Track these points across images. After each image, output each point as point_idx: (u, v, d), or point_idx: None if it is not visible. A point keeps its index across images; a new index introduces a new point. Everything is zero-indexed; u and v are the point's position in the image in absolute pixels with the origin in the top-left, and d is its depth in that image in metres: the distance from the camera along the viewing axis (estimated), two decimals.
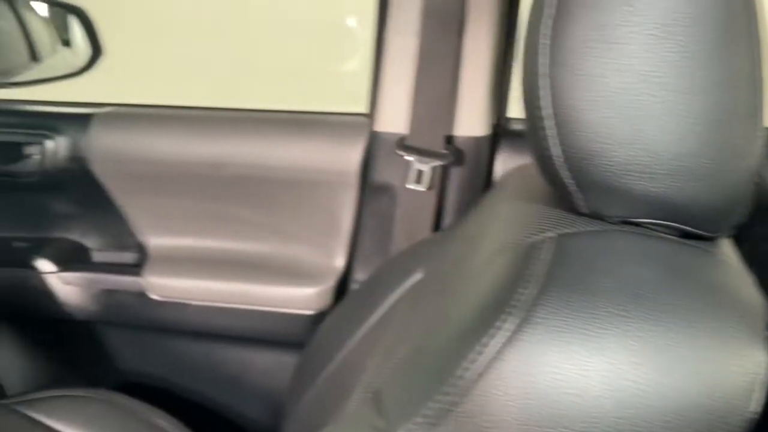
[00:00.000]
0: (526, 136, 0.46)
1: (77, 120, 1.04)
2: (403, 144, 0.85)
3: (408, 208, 0.87)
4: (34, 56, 1.44)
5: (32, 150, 1.04)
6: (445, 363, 0.36)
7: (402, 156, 0.85)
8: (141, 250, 1.07)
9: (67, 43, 1.62)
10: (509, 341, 0.34)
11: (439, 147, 0.84)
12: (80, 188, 1.06)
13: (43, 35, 1.48)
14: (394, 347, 0.50)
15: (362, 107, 0.98)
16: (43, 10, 1.53)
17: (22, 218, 1.11)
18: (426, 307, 0.54)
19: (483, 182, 0.89)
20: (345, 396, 0.65)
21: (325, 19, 2.48)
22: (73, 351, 1.17)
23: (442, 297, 0.48)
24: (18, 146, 1.04)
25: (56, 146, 1.03)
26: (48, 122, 1.05)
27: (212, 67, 2.28)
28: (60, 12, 1.55)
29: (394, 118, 0.87)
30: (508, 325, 0.35)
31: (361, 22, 2.39)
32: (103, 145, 1.02)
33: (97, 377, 1.15)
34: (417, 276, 0.68)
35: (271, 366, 1.08)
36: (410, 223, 0.87)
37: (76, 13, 1.30)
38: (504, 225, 0.47)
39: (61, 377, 1.19)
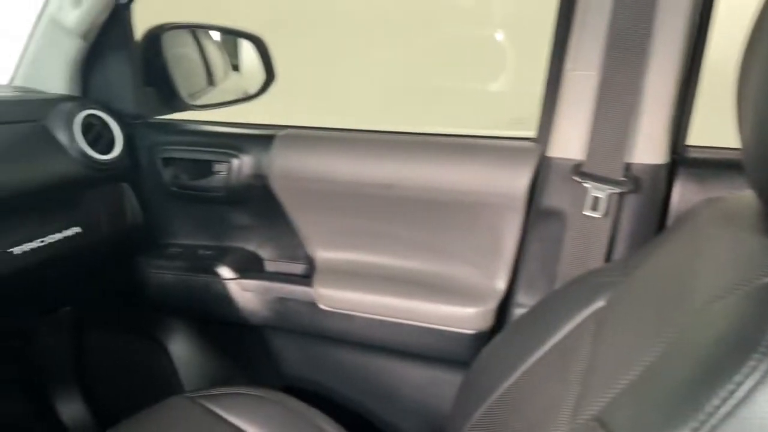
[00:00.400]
0: (746, 167, 0.45)
1: (260, 141, 1.13)
2: (579, 170, 0.85)
3: (580, 234, 0.87)
4: (211, 81, 1.59)
5: (220, 167, 1.15)
6: (690, 397, 0.37)
7: (578, 182, 0.85)
8: (311, 262, 1.14)
9: (236, 68, 1.78)
10: (762, 381, 0.34)
11: (617, 174, 0.83)
12: (259, 203, 1.15)
13: (218, 61, 1.63)
14: (609, 375, 0.50)
15: (501, 127, 0.99)
16: (216, 37, 1.69)
17: (207, 228, 1.22)
18: (627, 337, 0.54)
19: (658, 211, 0.87)
20: (519, 419, 0.66)
21: (471, 35, 2.47)
22: (244, 352, 1.27)
23: (656, 328, 0.48)
24: (208, 164, 1.16)
25: (241, 164, 1.13)
26: (235, 142, 1.15)
27: (363, 86, 2.36)
28: (230, 39, 1.70)
29: (570, 144, 0.87)
30: (763, 366, 0.35)
31: (510, 37, 2.36)
32: (282, 164, 1.11)
33: (264, 378, 1.23)
34: (598, 304, 0.68)
35: (427, 381, 1.11)
36: (581, 250, 0.87)
37: (254, 41, 1.42)
38: (723, 262, 0.46)
39: (232, 376, 1.29)
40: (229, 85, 1.66)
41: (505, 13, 2.37)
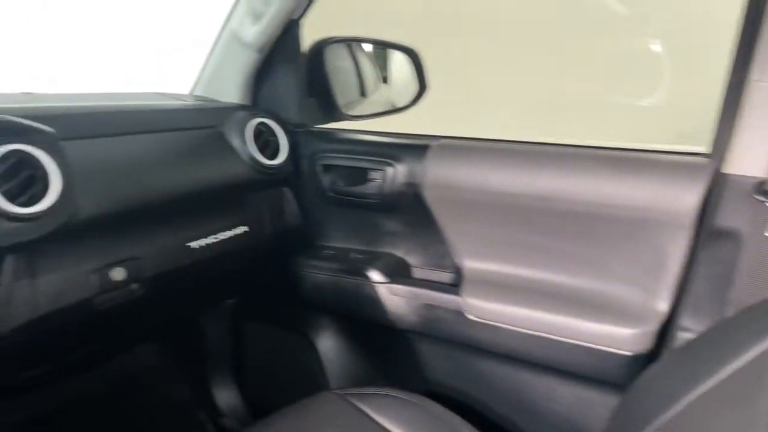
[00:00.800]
0: None
1: (414, 150, 1.16)
2: (762, 188, 0.79)
3: (759, 257, 0.81)
4: (363, 92, 1.66)
5: (375, 175, 1.19)
6: None
7: (760, 201, 0.79)
8: (458, 271, 1.15)
9: (384, 80, 1.83)
10: None
11: None
12: (410, 211, 1.18)
13: (369, 74, 1.70)
14: None
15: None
16: (368, 50, 1.75)
17: (360, 233, 1.27)
18: None
19: None
20: None
21: (625, 46, 2.36)
22: (389, 354, 1.30)
23: None
24: (365, 171, 1.21)
25: (395, 172, 1.17)
26: (390, 151, 1.19)
27: (507, 96, 2.33)
28: (381, 53, 1.75)
29: (752, 160, 0.81)
30: None
31: (667, 48, 2.22)
32: (436, 173, 1.13)
33: (407, 381, 1.26)
34: None
35: (575, 399, 1.07)
36: (760, 274, 0.81)
37: (409, 53, 1.46)
38: None
39: (375, 376, 1.33)
40: (378, 96, 1.72)
41: (664, 23, 2.23)
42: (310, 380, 1.36)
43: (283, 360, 1.43)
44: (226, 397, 1.52)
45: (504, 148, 1.10)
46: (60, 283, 0.91)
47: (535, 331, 1.02)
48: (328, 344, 1.35)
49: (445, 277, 1.19)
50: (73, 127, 0.94)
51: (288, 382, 1.42)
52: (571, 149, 1.04)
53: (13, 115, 0.85)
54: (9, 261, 0.83)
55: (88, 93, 1.23)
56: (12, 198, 0.79)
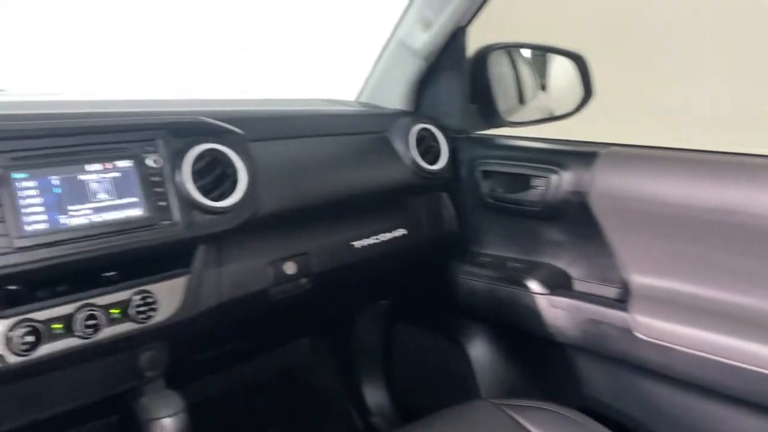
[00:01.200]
0: None
1: (581, 157, 1.12)
2: None
3: None
4: (521, 99, 1.63)
5: (538, 182, 1.17)
6: None
7: None
8: (626, 286, 1.09)
9: (542, 87, 1.79)
10: None
11: None
12: (575, 220, 1.14)
13: (528, 80, 1.66)
14: None
15: None
16: (527, 56, 1.72)
17: (518, 241, 1.25)
18: None
19: None
20: None
21: None
22: (544, 366, 1.26)
23: None
24: (526, 178, 1.18)
25: (560, 180, 1.13)
26: (554, 158, 1.16)
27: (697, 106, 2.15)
28: (539, 58, 1.71)
29: None
30: None
31: None
32: (605, 182, 1.08)
33: (561, 396, 1.21)
34: None
35: None
36: None
37: (575, 58, 1.41)
38: None
39: (528, 388, 1.30)
40: (536, 103, 1.68)
41: None
42: (460, 386, 1.35)
43: (433, 364, 1.44)
44: (374, 396, 1.56)
45: (682, 158, 1.03)
46: (241, 273, 0.98)
47: (716, 356, 0.94)
48: (480, 351, 1.34)
49: (610, 291, 1.13)
50: (259, 129, 1.01)
51: (437, 386, 1.43)
52: (759, 159, 0.95)
53: (208, 117, 0.93)
54: (200, 250, 0.91)
55: (268, 98, 1.33)
56: (206, 193, 0.87)
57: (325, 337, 1.61)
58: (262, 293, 1.01)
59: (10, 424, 0.80)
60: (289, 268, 1.04)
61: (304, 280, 1.07)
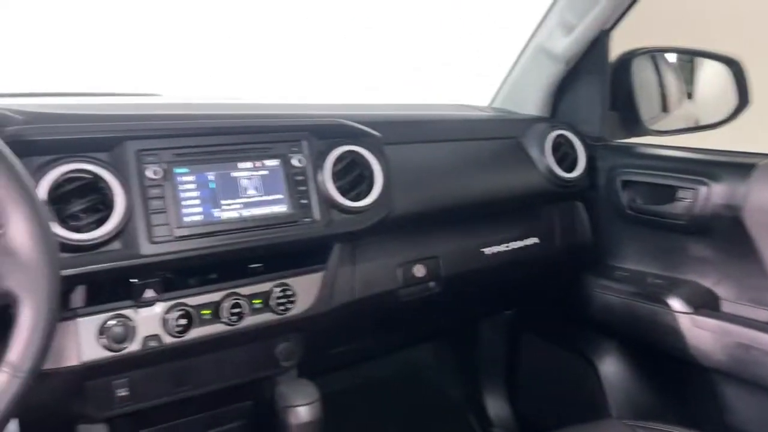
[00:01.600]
0: None
1: (735, 169, 1.04)
2: None
3: None
4: (664, 107, 1.53)
5: (685, 194, 1.09)
6: None
7: None
8: None
9: (689, 95, 1.67)
10: None
11: None
12: (725, 236, 1.06)
13: (673, 88, 1.57)
14: None
15: None
16: (672, 61, 1.62)
17: (659, 256, 1.18)
18: None
19: None
20: None
21: None
22: (682, 390, 1.18)
23: None
24: (672, 189, 1.11)
25: (709, 192, 1.05)
26: (704, 169, 1.08)
27: None
28: (687, 65, 1.61)
29: None
30: None
31: None
32: (761, 196, 0.99)
33: (701, 422, 1.13)
34: None
35: None
36: None
37: (730, 63, 1.31)
38: None
39: (663, 411, 1.22)
40: (681, 111, 1.58)
41: None
42: (587, 403, 1.30)
43: (560, 378, 1.39)
44: (496, 407, 1.54)
45: None
46: (373, 273, 1.01)
47: None
48: (611, 369, 1.27)
49: (763, 314, 1.04)
50: (394, 132, 1.04)
51: (563, 401, 1.38)
52: None
53: (347, 120, 0.97)
54: (337, 248, 0.94)
55: (403, 103, 1.35)
56: (344, 193, 0.90)
57: (449, 343, 1.61)
58: (391, 294, 1.03)
59: (165, 399, 0.88)
60: (419, 270, 1.06)
61: (432, 284, 1.07)
